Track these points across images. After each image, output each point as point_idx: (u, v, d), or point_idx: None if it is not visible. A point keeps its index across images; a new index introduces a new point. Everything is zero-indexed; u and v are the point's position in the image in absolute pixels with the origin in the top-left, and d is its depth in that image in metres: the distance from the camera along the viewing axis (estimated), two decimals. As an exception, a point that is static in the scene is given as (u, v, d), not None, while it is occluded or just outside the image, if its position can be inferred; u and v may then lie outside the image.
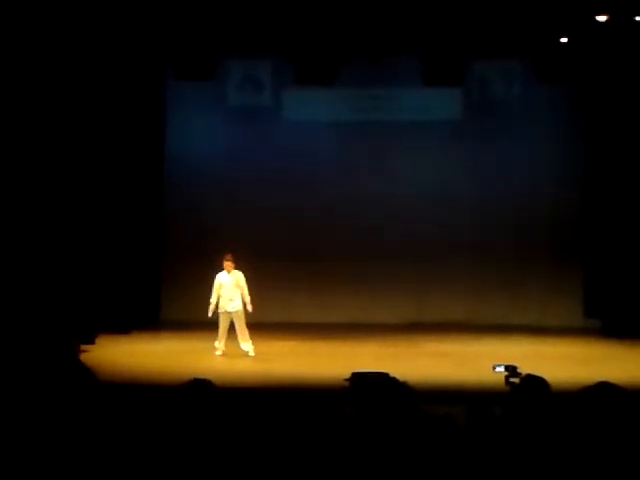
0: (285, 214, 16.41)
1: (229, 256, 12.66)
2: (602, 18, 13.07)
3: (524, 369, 8.49)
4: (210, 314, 12.59)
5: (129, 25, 13.94)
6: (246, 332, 12.51)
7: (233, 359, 12.25)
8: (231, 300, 12.52)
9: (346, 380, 8.97)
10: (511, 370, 9.27)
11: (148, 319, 15.57)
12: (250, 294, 12.57)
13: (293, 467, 3.24)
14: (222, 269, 12.66)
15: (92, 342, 12.97)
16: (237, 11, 13.81)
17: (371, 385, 3.71)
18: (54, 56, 13.90)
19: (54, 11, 13.11)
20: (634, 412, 3.34)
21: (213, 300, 12.58)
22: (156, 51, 15.24)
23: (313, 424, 3.40)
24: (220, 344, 12.55)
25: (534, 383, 3.77)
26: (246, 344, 12.49)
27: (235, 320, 12.51)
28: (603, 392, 3.40)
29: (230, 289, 12.55)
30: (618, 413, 3.31)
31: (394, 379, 3.81)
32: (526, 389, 3.73)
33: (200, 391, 3.35)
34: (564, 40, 14.30)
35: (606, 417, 3.29)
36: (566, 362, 11.52)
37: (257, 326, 12.86)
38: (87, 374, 3.19)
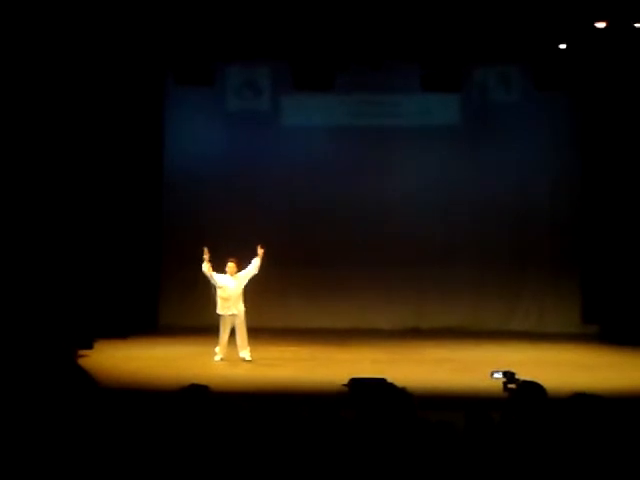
0: (284, 219, 16.40)
1: (233, 259, 12.43)
2: (601, 25, 13.09)
3: (522, 375, 8.51)
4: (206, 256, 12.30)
5: (129, 31, 13.96)
6: (246, 338, 12.32)
7: (232, 364, 12.15)
8: (235, 303, 12.29)
9: (344, 386, 8.96)
10: (509, 376, 9.29)
11: (146, 324, 15.55)
12: (248, 299, 12.42)
13: (291, 472, 3.24)
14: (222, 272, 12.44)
15: (90, 347, 12.95)
16: (236, 17, 13.82)
17: (370, 391, 3.71)
18: (55, 62, 13.93)
19: (55, 17, 13.12)
20: (612, 420, 3.38)
21: (210, 271, 12.30)
22: (156, 57, 15.27)
23: (312, 429, 3.40)
24: (222, 351, 12.36)
25: (531, 389, 3.78)
26: (244, 351, 12.32)
27: (237, 324, 12.28)
28: (579, 402, 3.43)
29: (233, 292, 12.32)
30: (596, 421, 3.36)
31: (392, 385, 3.81)
32: (523, 395, 3.74)
33: (197, 397, 3.35)
34: (563, 46, 14.32)
35: (584, 425, 3.34)
36: (564, 368, 11.50)
37: (256, 331, 12.82)
38: (86, 379, 3.19)
